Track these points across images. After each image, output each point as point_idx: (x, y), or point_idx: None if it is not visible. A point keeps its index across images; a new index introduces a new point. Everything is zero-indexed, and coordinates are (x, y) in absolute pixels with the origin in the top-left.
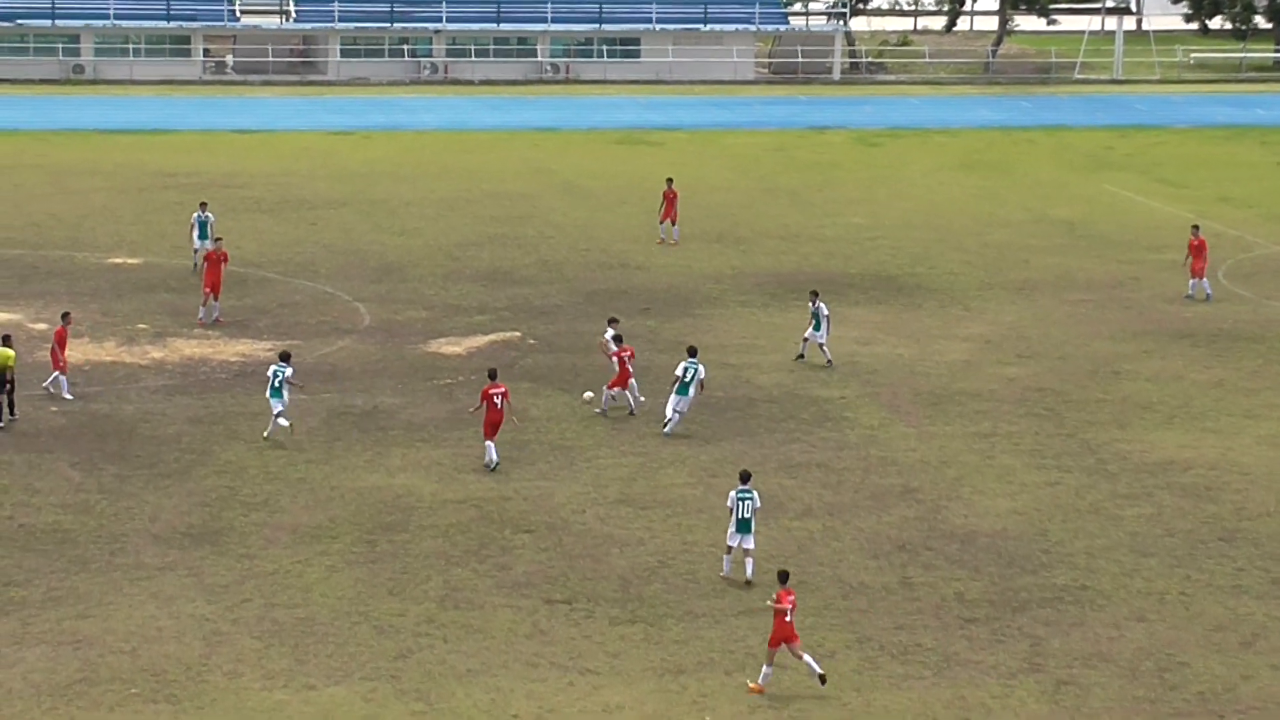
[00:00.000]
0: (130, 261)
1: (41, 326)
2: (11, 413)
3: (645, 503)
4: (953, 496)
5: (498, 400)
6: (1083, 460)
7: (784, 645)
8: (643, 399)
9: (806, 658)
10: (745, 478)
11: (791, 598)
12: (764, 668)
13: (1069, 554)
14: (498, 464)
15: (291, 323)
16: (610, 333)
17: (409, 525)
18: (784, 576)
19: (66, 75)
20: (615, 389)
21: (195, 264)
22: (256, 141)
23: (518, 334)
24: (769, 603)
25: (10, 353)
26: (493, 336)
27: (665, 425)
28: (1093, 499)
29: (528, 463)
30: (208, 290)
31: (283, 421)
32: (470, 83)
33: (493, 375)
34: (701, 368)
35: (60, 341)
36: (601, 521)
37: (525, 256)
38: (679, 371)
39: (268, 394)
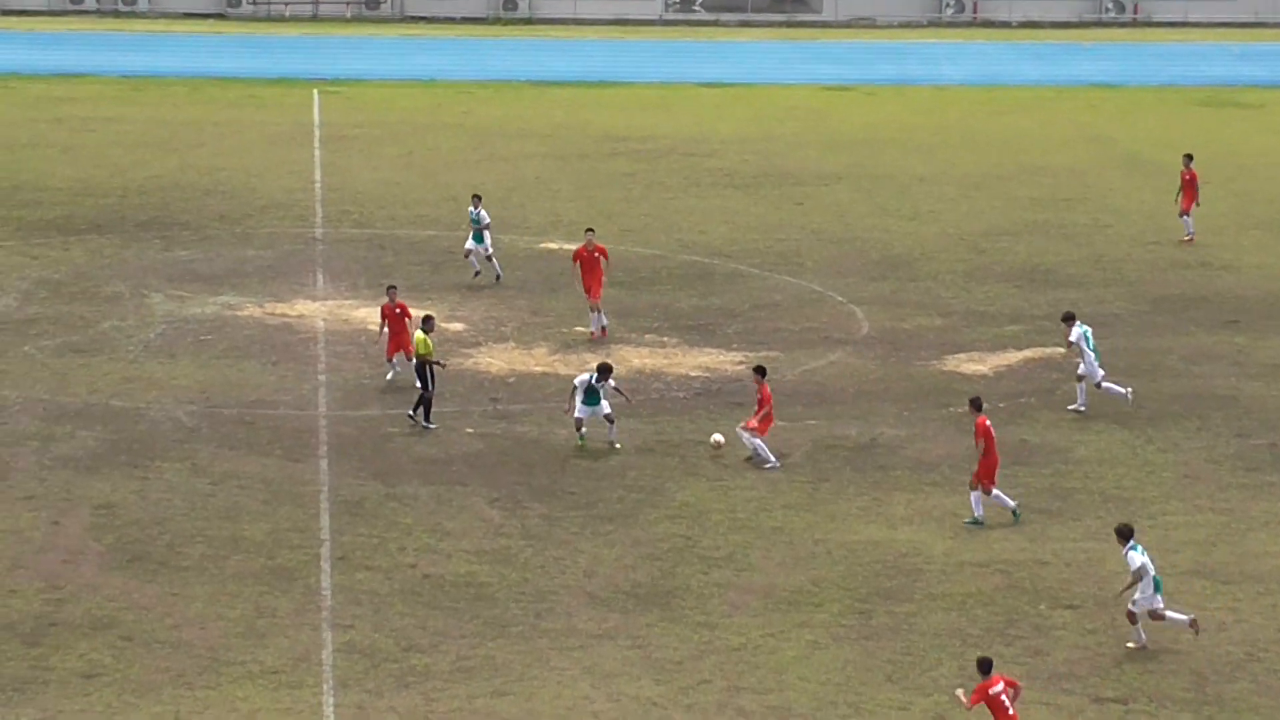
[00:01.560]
0: (567, 248)
1: (457, 326)
2: (426, 418)
3: (1229, 575)
4: None
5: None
6: None
7: None
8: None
9: None
10: (1128, 534)
11: (997, 687)
12: None
13: None
14: (980, 519)
15: (768, 329)
16: None
17: (914, 593)
18: (986, 665)
19: (496, 13)
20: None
21: (476, 270)
22: (730, 97)
23: (1062, 350)
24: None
25: (425, 338)
26: (1028, 353)
27: None
28: None
29: (1072, 517)
30: (590, 296)
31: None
32: (1007, 24)
33: (978, 406)
34: None
35: (405, 315)
36: (1169, 597)
37: (1074, 250)
38: None
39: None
